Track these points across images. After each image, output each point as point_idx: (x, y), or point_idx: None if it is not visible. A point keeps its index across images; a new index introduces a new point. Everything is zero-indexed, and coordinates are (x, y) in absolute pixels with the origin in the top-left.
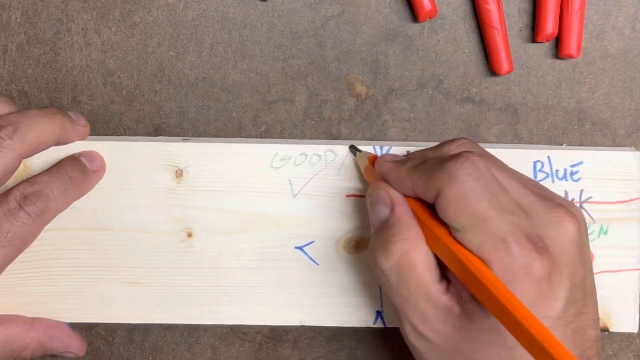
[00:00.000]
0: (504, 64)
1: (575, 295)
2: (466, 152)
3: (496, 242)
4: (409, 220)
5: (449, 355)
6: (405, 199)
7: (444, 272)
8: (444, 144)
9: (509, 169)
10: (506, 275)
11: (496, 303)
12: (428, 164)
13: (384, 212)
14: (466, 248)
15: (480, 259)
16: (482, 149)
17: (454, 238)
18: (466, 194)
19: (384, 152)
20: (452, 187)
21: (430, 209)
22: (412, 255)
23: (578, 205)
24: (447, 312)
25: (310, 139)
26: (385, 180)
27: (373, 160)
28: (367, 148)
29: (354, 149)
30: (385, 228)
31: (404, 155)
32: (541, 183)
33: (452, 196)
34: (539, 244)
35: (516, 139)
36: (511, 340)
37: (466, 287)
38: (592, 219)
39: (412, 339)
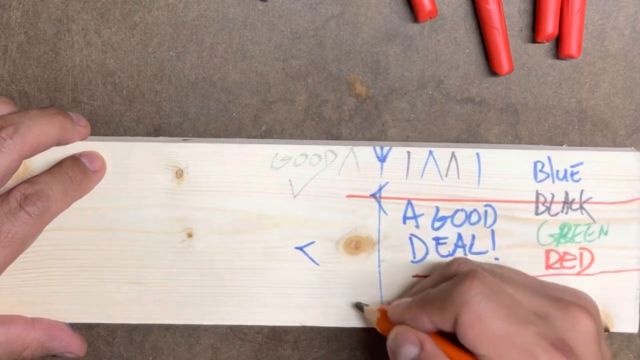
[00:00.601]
0: (504, 64)
1: None
2: (471, 270)
3: (523, 356)
4: (440, 354)
5: None
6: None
7: None
8: (442, 269)
9: (515, 276)
10: None
11: None
12: (437, 293)
13: (412, 351)
14: None
15: None
16: (482, 264)
17: None
18: (483, 315)
19: (384, 152)
20: (467, 311)
21: (452, 341)
22: None
23: (578, 205)
24: None
25: (310, 139)
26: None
27: (384, 311)
28: (367, 148)
29: (359, 306)
30: None
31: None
32: (541, 183)
33: (470, 320)
34: (565, 349)
35: (516, 139)
36: None
37: None
38: (592, 219)
39: None
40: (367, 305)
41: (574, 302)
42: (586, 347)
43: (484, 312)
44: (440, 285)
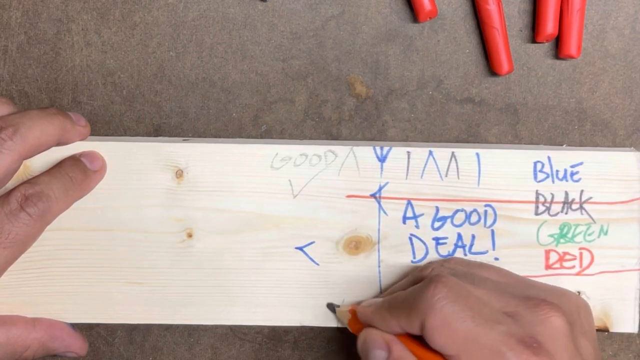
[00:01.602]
0: (504, 64)
1: None
2: (436, 275)
3: (492, 355)
4: (409, 356)
5: None
6: (397, 337)
7: None
8: (416, 272)
9: (490, 276)
10: None
11: None
12: (404, 298)
13: (380, 355)
14: None
15: None
16: (455, 263)
17: None
18: (448, 318)
19: (384, 152)
20: (432, 316)
21: (421, 342)
22: None
23: (578, 205)
24: None
25: (310, 139)
26: (372, 326)
27: (354, 312)
28: (367, 148)
29: (331, 307)
30: None
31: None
32: (541, 183)
33: (436, 324)
34: (533, 345)
35: (516, 139)
36: None
37: None
38: (592, 219)
39: None
40: (339, 305)
41: (545, 299)
42: (557, 343)
43: (448, 315)
44: (409, 289)
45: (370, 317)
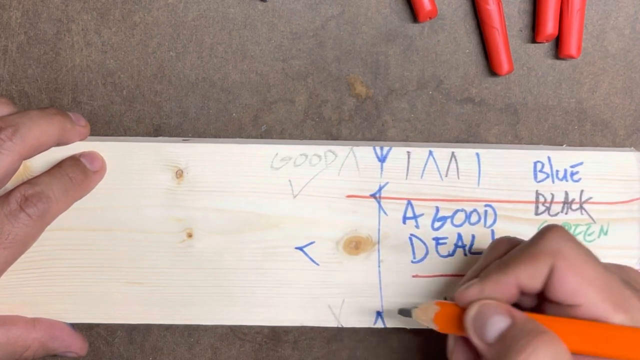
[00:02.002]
0: (504, 64)
1: None
2: (549, 225)
3: (616, 300)
4: (535, 322)
5: None
6: None
7: None
8: (491, 250)
9: None
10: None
11: None
12: (518, 252)
13: (502, 321)
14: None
15: (608, 322)
16: None
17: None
18: (579, 260)
19: (384, 152)
20: (564, 258)
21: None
22: (562, 344)
23: (578, 205)
24: None
25: (310, 139)
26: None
27: (444, 303)
28: (367, 148)
29: (404, 312)
30: (514, 332)
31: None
32: (541, 183)
33: (568, 266)
34: None
35: (516, 139)
36: None
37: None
38: (592, 219)
39: None
40: (416, 306)
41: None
42: None
43: (579, 257)
44: (518, 247)
45: (480, 289)
